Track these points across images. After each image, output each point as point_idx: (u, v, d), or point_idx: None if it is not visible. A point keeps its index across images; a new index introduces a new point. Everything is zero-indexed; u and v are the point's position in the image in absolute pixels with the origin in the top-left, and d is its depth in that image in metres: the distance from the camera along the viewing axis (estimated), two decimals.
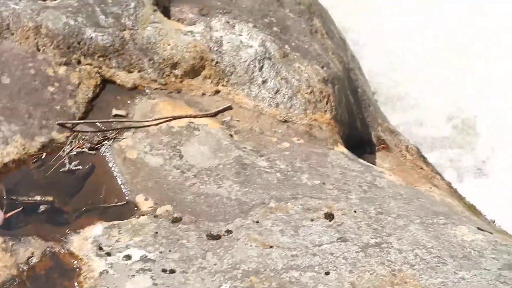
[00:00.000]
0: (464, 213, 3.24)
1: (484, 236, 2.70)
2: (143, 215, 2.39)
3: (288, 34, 3.13)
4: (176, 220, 2.47)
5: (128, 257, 2.34)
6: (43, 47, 2.86)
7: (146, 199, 2.46)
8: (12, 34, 2.92)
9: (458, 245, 2.59)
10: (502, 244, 2.69)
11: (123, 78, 2.80)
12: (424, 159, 3.81)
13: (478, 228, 2.80)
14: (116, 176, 2.55)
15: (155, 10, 2.95)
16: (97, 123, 2.65)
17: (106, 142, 2.58)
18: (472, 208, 3.85)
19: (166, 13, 3.05)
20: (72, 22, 2.89)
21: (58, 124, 2.63)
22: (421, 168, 3.63)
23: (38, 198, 2.56)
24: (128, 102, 2.80)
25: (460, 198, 3.76)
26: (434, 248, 2.54)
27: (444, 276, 2.41)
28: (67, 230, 2.49)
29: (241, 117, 2.85)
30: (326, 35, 3.38)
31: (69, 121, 2.63)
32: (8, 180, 2.59)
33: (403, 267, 2.43)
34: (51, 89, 3.01)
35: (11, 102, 2.76)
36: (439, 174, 3.78)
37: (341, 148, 2.95)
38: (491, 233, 2.78)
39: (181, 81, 2.78)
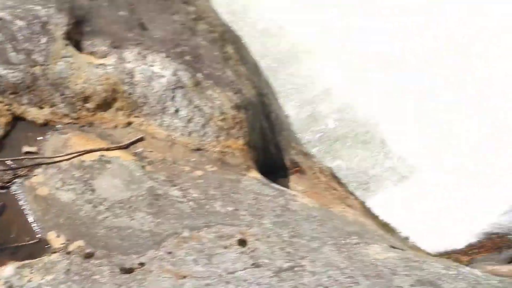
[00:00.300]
0: (377, 231, 3.40)
1: (396, 254, 2.79)
2: (55, 252, 2.38)
3: (200, 62, 3.18)
4: (88, 256, 2.45)
5: None
6: None
7: (58, 236, 2.46)
8: None
9: (371, 264, 2.66)
10: (414, 260, 2.78)
11: (35, 114, 2.78)
12: (338, 180, 3.91)
13: (391, 246, 2.87)
14: (28, 214, 2.53)
15: (66, 45, 2.95)
16: (7, 162, 2.60)
17: (16, 180, 2.54)
18: (385, 226, 3.98)
19: (78, 46, 3.04)
20: None
21: None
22: (335, 189, 3.74)
23: None
24: (40, 138, 2.78)
25: (374, 217, 3.91)
26: (347, 268, 2.60)
27: None
28: None
29: (154, 148, 2.88)
30: (239, 62, 3.44)
31: None
32: None
33: None
34: None
35: None
36: (353, 194, 3.91)
37: (254, 174, 3.03)
38: (403, 250, 2.87)
39: (93, 115, 2.79)
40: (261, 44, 5.69)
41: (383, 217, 4.19)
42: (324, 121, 5.59)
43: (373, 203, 4.46)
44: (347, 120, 5.60)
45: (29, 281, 2.27)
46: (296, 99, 5.09)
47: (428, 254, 3.93)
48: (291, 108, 4.84)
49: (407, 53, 6.01)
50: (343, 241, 2.75)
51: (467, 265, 3.46)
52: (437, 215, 4.76)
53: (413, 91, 6.20)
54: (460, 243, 4.60)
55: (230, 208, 2.73)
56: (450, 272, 2.73)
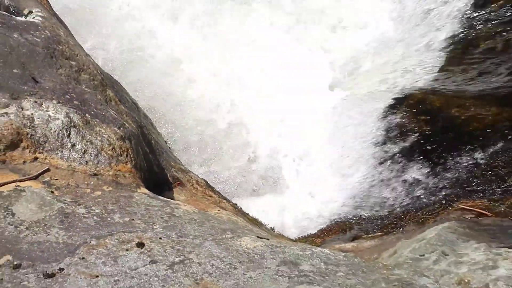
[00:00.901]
0: (247, 226, 3.79)
1: (263, 243, 3.26)
2: None
3: (87, 105, 3.53)
4: (16, 267, 2.70)
5: None
6: None
7: None
8: None
9: (244, 252, 3.09)
10: (278, 246, 3.24)
11: None
12: (212, 189, 4.47)
13: (258, 237, 3.35)
14: None
15: None
16: None
17: None
18: (254, 221, 4.60)
19: None
20: None
21: None
22: (210, 196, 4.24)
23: None
24: None
25: (245, 215, 4.49)
26: (226, 257, 3.01)
27: (236, 278, 2.87)
28: None
29: (59, 176, 3.19)
30: (119, 102, 3.83)
31: None
32: None
33: (203, 276, 2.83)
34: None
35: None
36: (225, 199, 4.48)
37: (143, 190, 3.47)
38: (268, 239, 3.35)
39: (4, 154, 3.07)
40: None
41: (252, 214, 4.69)
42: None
43: (243, 204, 4.97)
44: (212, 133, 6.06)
45: None
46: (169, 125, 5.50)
47: (290, 239, 4.47)
48: (167, 134, 5.20)
49: None
50: (220, 237, 3.19)
51: (319, 246, 4.01)
52: (294, 206, 5.42)
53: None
54: (314, 229, 5.19)
55: (127, 219, 3.11)
56: (306, 253, 3.22)
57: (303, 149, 6.12)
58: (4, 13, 3.42)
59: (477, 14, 6.53)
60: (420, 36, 6.86)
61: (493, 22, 6.18)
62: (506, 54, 6.03)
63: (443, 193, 4.31)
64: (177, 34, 7.20)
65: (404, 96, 6.08)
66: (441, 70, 6.10)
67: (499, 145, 4.55)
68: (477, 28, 6.24)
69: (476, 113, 5.11)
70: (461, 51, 6.21)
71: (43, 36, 3.62)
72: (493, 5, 6.54)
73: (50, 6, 4.31)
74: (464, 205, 3.78)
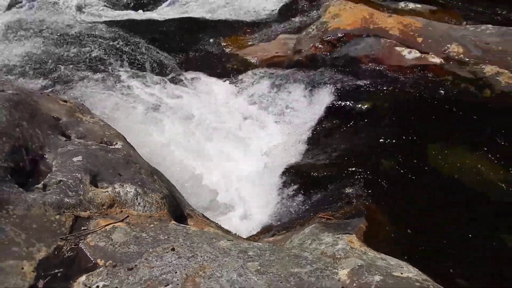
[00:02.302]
0: (223, 234, 4.65)
1: (230, 242, 4.01)
2: None
3: (144, 183, 4.72)
4: (114, 266, 3.66)
5: None
6: None
7: None
8: None
9: (221, 249, 3.86)
10: (237, 243, 3.94)
11: None
12: (206, 217, 5.56)
13: (227, 240, 4.08)
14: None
15: None
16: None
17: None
18: (226, 231, 5.38)
19: None
20: None
21: None
22: (204, 221, 5.28)
23: None
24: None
25: (221, 228, 5.39)
26: (213, 252, 3.79)
27: (218, 261, 3.63)
28: None
29: (133, 219, 4.22)
30: (159, 180, 5.09)
31: None
32: None
33: (203, 262, 3.58)
34: None
35: None
36: (212, 221, 5.50)
37: (173, 222, 4.45)
38: (232, 241, 4.06)
39: (106, 210, 4.22)
40: None
41: (222, 224, 5.68)
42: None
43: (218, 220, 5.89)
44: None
45: None
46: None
47: (243, 239, 5.35)
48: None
49: None
50: (210, 242, 3.98)
51: (256, 241, 4.97)
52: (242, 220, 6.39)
53: None
54: (254, 231, 6.19)
55: (166, 237, 4.01)
56: (250, 245, 3.94)
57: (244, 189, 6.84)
58: (105, 144, 5.05)
59: None
60: None
61: None
62: None
63: (312, 209, 5.80)
64: None
65: None
66: None
67: (335, 184, 6.08)
68: None
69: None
70: None
71: (122, 154, 5.00)
72: None
73: (125, 139, 5.54)
74: (321, 215, 5.20)
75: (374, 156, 6.12)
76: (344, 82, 7.46)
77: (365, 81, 7.05)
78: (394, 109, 6.88)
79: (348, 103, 7.12)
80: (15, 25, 9.40)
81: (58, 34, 9.74)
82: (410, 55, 7.78)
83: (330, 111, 7.19)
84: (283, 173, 6.57)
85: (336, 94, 7.31)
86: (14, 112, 4.39)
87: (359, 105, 6.96)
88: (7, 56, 8.05)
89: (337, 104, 7.67)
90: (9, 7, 10.01)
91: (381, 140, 6.37)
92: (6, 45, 8.24)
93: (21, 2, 10.28)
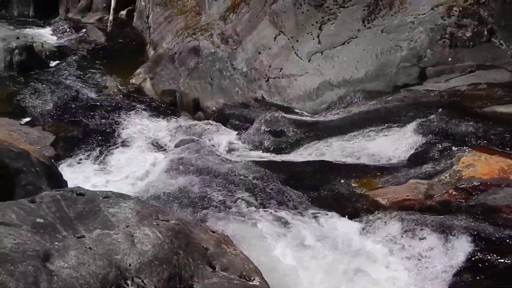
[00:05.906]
0: None
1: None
2: None
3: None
4: None
5: None
6: None
7: None
8: None
9: None
10: None
11: None
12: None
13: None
14: None
15: None
16: None
17: None
18: None
19: None
20: None
21: None
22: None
23: None
24: None
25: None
26: None
27: None
28: None
29: None
30: None
31: None
32: None
33: None
34: None
35: None
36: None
37: None
38: None
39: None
40: None
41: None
42: None
43: None
44: None
45: None
46: None
47: None
48: None
49: None
50: None
51: None
52: None
53: None
54: None
55: None
56: None
57: None
58: (244, 280, 5.14)
59: None
60: None
61: None
62: None
63: None
64: None
65: None
66: None
67: None
68: None
69: None
70: None
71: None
72: None
73: (261, 274, 5.74)
74: None
75: None
76: (484, 232, 7.31)
77: (507, 233, 6.75)
78: None
79: (490, 255, 6.79)
80: (178, 162, 11.03)
81: (210, 171, 11.55)
82: None
83: (470, 263, 6.67)
84: None
85: (475, 244, 7.06)
86: (175, 240, 4.65)
87: (504, 259, 6.58)
88: (168, 187, 9.51)
89: (478, 255, 7.34)
90: (176, 146, 12.44)
91: None
92: (168, 179, 9.41)
93: (186, 144, 11.86)
